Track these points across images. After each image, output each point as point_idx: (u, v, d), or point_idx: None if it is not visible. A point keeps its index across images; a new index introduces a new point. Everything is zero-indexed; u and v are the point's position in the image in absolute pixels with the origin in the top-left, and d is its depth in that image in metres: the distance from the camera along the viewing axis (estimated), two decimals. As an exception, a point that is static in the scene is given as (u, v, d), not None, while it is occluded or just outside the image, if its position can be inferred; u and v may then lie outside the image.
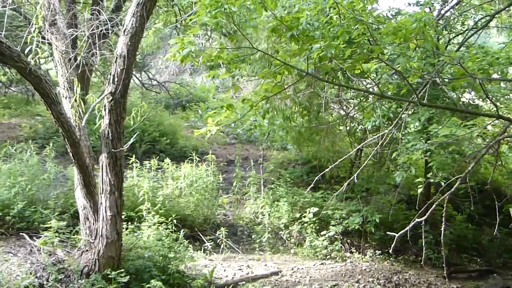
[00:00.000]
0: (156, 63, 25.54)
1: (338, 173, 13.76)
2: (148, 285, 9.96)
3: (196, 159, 13.79)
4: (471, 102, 11.91)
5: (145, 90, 23.78)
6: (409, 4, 12.42)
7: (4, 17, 9.40)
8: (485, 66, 7.38)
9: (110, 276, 9.80)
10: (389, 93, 8.28)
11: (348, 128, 13.10)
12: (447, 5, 11.55)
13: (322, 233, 12.78)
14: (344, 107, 12.80)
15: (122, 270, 9.93)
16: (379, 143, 8.68)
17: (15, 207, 11.74)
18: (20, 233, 11.60)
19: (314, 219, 12.85)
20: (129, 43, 9.56)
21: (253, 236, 12.87)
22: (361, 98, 11.28)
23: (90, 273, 9.95)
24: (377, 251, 12.91)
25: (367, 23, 7.00)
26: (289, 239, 12.90)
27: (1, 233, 11.53)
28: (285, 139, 15.57)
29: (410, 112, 9.19)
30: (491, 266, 13.09)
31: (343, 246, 12.92)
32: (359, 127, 12.58)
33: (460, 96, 10.65)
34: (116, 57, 9.74)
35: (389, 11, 9.95)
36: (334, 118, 12.88)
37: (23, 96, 22.43)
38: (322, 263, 12.33)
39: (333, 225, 12.77)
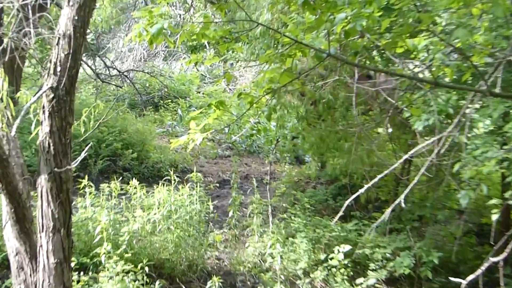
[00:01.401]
0: (116, 45, 25.53)
1: (378, 195, 13.64)
2: None
3: (175, 180, 13.73)
4: None
5: (100, 82, 23.74)
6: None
7: None
8: None
9: None
10: (447, 80, 8.29)
11: (390, 130, 13.06)
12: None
13: (358, 281, 12.75)
14: (384, 101, 12.73)
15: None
16: (435, 151, 8.69)
17: None
18: None
19: (345, 262, 12.85)
20: (76, 17, 9.55)
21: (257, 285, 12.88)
22: (407, 88, 11.25)
23: None
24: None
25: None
26: (312, 286, 12.89)
27: None
28: (301, 148, 15.48)
29: (477, 106, 9.18)
30: None
31: (387, 297, 12.95)
32: (406, 129, 12.56)
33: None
34: (59, 38, 9.75)
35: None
36: (370, 117, 12.80)
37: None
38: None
39: (373, 270, 12.77)
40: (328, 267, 12.62)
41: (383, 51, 7.83)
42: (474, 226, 13.48)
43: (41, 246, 9.98)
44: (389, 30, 7.31)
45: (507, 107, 9.59)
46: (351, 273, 12.67)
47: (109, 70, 24.58)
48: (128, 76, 24.30)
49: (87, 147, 10.17)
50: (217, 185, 16.34)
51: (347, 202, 9.14)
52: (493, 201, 11.11)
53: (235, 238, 13.61)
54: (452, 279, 8.81)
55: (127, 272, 11.45)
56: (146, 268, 11.73)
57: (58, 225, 9.97)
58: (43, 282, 10.02)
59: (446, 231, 13.22)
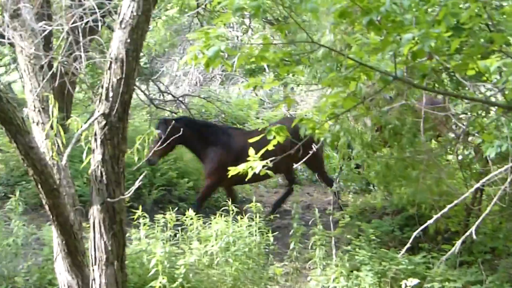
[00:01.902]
0: (170, 69, 25.60)
1: (448, 225, 13.51)
2: None
3: (233, 210, 13.76)
4: None
5: (154, 108, 23.79)
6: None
7: None
8: None
9: None
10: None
11: (460, 158, 12.98)
12: None
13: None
14: (454, 127, 12.67)
15: None
16: (509, 180, 8.60)
17: (-36, 289, 11.90)
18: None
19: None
20: (128, 40, 9.57)
21: None
22: (479, 112, 11.16)
23: None
24: None
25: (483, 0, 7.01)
26: None
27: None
28: (366, 177, 15.42)
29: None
30: None
31: (459, 337, 12.83)
32: (477, 156, 12.45)
33: None
34: (110, 62, 9.78)
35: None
36: (439, 144, 12.74)
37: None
38: None
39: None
40: (395, 302, 12.55)
41: (452, 74, 7.74)
42: None
43: (94, 280, 9.99)
44: (459, 51, 7.23)
45: None
46: (421, 308, 12.58)
47: (163, 95, 24.64)
48: (183, 101, 24.35)
49: (141, 176, 10.19)
50: (278, 215, 16.28)
51: (415, 234, 9.07)
52: None
53: (296, 271, 13.58)
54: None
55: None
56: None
57: (112, 258, 9.97)
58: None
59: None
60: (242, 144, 13.63)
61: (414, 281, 12.56)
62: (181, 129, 13.35)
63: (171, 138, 12.63)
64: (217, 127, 14.17)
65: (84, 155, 10.09)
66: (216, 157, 13.52)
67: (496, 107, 9.11)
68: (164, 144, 12.40)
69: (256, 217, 13.44)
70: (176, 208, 14.07)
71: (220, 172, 13.94)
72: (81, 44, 9.83)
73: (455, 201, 9.82)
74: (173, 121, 13.47)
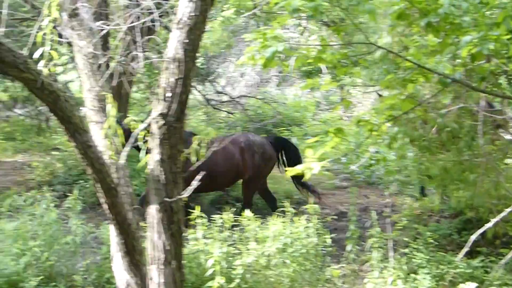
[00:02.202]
0: (227, 70, 25.70)
1: (507, 230, 13.40)
2: None
3: (290, 212, 13.85)
4: None
5: (211, 109, 23.91)
6: None
7: (2, 6, 9.65)
8: None
9: None
10: None
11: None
12: None
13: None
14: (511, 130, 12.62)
15: None
16: None
17: (27, 285, 12.09)
18: (35, 325, 11.96)
19: (471, 301, 12.81)
20: (186, 41, 9.70)
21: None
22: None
23: None
24: None
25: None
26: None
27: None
28: (424, 180, 15.37)
29: None
30: None
31: None
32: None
33: None
34: (168, 62, 9.95)
35: None
36: (497, 147, 12.72)
37: (33, 122, 22.74)
38: None
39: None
40: (453, 305, 12.53)
41: (510, 76, 7.80)
42: None
43: (152, 279, 10.13)
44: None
45: None
46: (479, 311, 12.58)
47: (220, 96, 24.73)
48: (239, 102, 24.41)
49: (200, 176, 10.27)
50: (335, 217, 16.20)
51: (473, 237, 9.15)
52: None
53: (353, 273, 13.56)
54: None
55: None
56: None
57: (169, 257, 10.10)
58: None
59: None
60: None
61: (472, 285, 12.55)
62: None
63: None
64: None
65: (141, 155, 10.24)
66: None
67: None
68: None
69: (313, 218, 13.49)
70: (233, 209, 14.12)
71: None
72: (139, 43, 9.99)
73: (513, 205, 9.89)
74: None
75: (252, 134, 14.71)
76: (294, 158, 14.99)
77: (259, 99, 25.30)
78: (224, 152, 13.77)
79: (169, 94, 9.76)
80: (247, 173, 14.24)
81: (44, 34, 9.54)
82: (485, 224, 8.92)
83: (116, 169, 10.00)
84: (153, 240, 10.13)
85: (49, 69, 9.57)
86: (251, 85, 26.65)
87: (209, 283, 11.88)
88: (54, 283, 12.19)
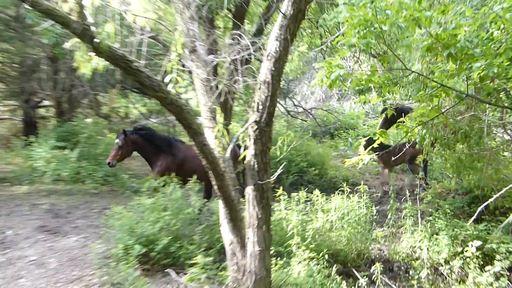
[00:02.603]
0: (301, 89, 25.56)
1: (504, 203, 13.12)
2: (300, 325, 9.90)
3: (347, 190, 13.62)
4: None
5: (290, 117, 23.76)
6: None
7: (143, 45, 9.54)
8: None
9: (259, 316, 9.78)
10: None
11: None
12: None
13: (487, 268, 12.31)
14: (509, 131, 12.31)
15: (272, 309, 9.90)
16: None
17: (160, 243, 11.96)
18: (166, 270, 11.81)
19: (477, 254, 12.42)
20: (273, 69, 9.52)
21: (410, 272, 12.55)
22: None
23: (239, 312, 9.95)
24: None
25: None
26: (450, 275, 12.47)
27: (147, 270, 11.77)
28: (444, 168, 15.07)
29: None
30: None
31: (510, 283, 12.43)
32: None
33: None
34: (260, 84, 9.73)
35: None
36: (497, 143, 12.43)
37: (164, 127, 22.74)
38: (489, 302, 11.94)
39: (498, 260, 12.32)
40: (464, 258, 12.20)
41: (509, 93, 7.49)
42: None
43: (248, 238, 9.97)
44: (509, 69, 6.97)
45: None
46: (481, 262, 12.23)
47: (296, 108, 24.72)
48: (310, 112, 24.33)
49: (282, 166, 10.24)
50: (379, 195, 16.08)
51: (479, 209, 8.81)
52: None
53: (392, 234, 13.40)
54: None
55: (312, 259, 11.34)
56: (326, 256, 11.58)
57: (261, 223, 9.95)
58: (250, 264, 9.97)
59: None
60: (184, 153, 13.66)
61: (478, 242, 12.24)
62: (138, 138, 13.12)
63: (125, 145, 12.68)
64: (165, 139, 13.62)
65: (241, 151, 10.07)
66: (164, 164, 13.51)
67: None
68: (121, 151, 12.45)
69: (363, 195, 13.25)
70: (306, 189, 13.92)
71: (165, 173, 13.78)
72: (239, 71, 9.80)
73: (509, 186, 9.47)
74: (131, 132, 13.08)
75: None
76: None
77: (325, 110, 25.27)
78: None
79: (261, 107, 9.63)
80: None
81: (172, 64, 9.40)
82: (488, 199, 8.59)
83: (223, 161, 9.91)
84: (250, 211, 9.98)
85: (175, 90, 9.43)
86: (319, 100, 26.56)
87: (289, 241, 11.69)
88: (179, 242, 12.06)
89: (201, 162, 13.01)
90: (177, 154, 13.18)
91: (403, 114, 14.72)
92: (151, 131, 13.00)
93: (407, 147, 15.01)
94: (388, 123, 16.33)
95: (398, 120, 15.23)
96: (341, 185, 13.92)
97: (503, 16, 6.59)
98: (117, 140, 12.51)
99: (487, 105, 9.17)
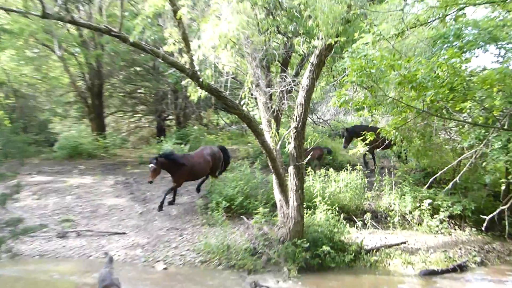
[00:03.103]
0: (322, 108, 25.37)
1: (445, 177, 12.97)
2: (321, 249, 9.98)
3: (349, 169, 13.58)
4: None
5: (315, 125, 23.66)
6: (492, 62, 12.08)
7: (228, 82, 9.64)
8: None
9: (296, 243, 9.91)
10: (480, 122, 7.81)
11: (451, 147, 12.52)
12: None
13: (435, 216, 12.25)
14: (449, 133, 12.23)
15: (304, 239, 10.03)
16: (473, 156, 8.26)
17: (237, 200, 12.17)
18: (241, 216, 12.04)
19: (429, 207, 12.36)
20: (305, 96, 9.67)
21: (388, 218, 12.52)
22: (460, 126, 10.74)
23: (284, 241, 10.09)
24: (473, 229, 12.27)
25: (463, 76, 6.71)
26: (412, 220, 12.42)
27: (229, 216, 11.96)
28: (408, 155, 14.94)
29: (494, 135, 8.65)
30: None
31: (449, 225, 12.36)
32: (459, 146, 11.94)
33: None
34: (298, 105, 9.87)
35: (479, 67, 9.49)
36: (441, 140, 12.34)
37: (239, 132, 22.84)
38: (435, 236, 11.90)
39: (442, 211, 12.25)
40: (420, 210, 12.13)
41: (448, 109, 7.44)
42: (492, 192, 12.59)
43: (290, 197, 10.08)
44: (452, 99, 6.95)
45: (510, 135, 9.01)
46: (431, 212, 12.15)
47: (319, 119, 24.57)
48: (327, 122, 24.21)
49: (310, 154, 10.13)
50: (369, 171, 15.95)
51: (430, 180, 8.78)
52: (502, 180, 10.55)
53: (377, 195, 13.25)
54: (481, 216, 8.30)
55: (328, 210, 11.38)
56: (336, 208, 11.62)
57: (298, 188, 10.03)
58: (291, 213, 10.05)
59: (478, 194, 12.51)
60: (192, 161, 12.86)
61: (429, 200, 12.20)
62: (164, 160, 12.09)
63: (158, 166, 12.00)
64: (180, 156, 12.75)
65: (286, 145, 10.13)
66: (182, 173, 12.60)
67: (468, 124, 8.71)
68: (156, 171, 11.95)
69: (359, 172, 13.22)
70: (325, 168, 13.88)
71: (183, 180, 12.91)
72: (285, 97, 9.88)
73: (449, 166, 9.42)
74: (159, 157, 12.10)
75: (211, 146, 14.13)
76: (227, 156, 14.24)
77: (336, 121, 25.05)
78: (203, 156, 13.38)
79: (298, 119, 9.78)
80: (212, 167, 13.67)
81: (245, 94, 9.50)
82: (436, 174, 8.53)
83: (275, 151, 9.95)
84: (291, 180, 10.06)
85: (247, 109, 9.52)
86: (333, 114, 26.23)
87: (314, 199, 11.74)
88: (248, 199, 12.21)
89: (202, 165, 13.11)
90: (188, 163, 12.72)
91: (359, 131, 14.84)
92: (170, 153, 12.54)
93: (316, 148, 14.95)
94: (349, 139, 16.22)
95: (356, 136, 15.20)
96: (346, 166, 13.92)
97: (445, 62, 6.64)
98: (151, 165, 11.80)
99: (435, 117, 9.12)
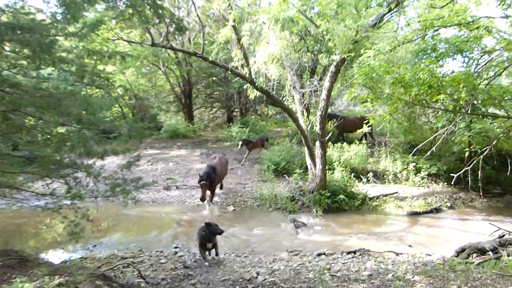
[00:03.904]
0: (337, 102, 24.72)
1: (425, 147, 12.37)
2: (338, 197, 9.92)
3: (357, 142, 13.24)
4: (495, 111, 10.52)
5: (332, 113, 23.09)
6: (459, 67, 11.54)
7: (274, 86, 9.56)
8: (502, 95, 6.56)
9: (321, 193, 9.86)
10: (450, 109, 7.50)
11: (429, 126, 12.05)
12: (479, 65, 10.24)
13: (418, 175, 11.85)
14: (427, 117, 11.77)
15: (327, 190, 9.95)
16: (445, 133, 7.96)
17: (281, 164, 12.15)
18: (284, 175, 11.99)
19: (413, 169, 11.95)
20: (326, 94, 9.47)
21: (384, 176, 12.20)
22: (436, 112, 10.33)
23: (313, 192, 10.05)
24: (445, 183, 11.81)
25: (438, 77, 6.44)
26: (401, 177, 12.08)
27: (276, 175, 11.96)
28: (398, 132, 14.42)
29: (460, 118, 8.28)
30: (506, 191, 11.52)
31: (427, 181, 11.95)
32: (435, 126, 11.48)
33: (487, 108, 9.20)
34: (321, 100, 9.70)
35: (449, 71, 9.10)
36: (422, 122, 11.91)
37: (282, 119, 22.56)
38: (417, 189, 11.54)
39: (423, 171, 11.82)
40: (407, 170, 11.81)
41: (427, 100, 7.15)
42: (459, 158, 11.97)
43: (317, 162, 9.96)
44: (430, 93, 6.64)
45: (472, 118, 8.60)
46: (415, 172, 11.78)
47: (336, 109, 23.97)
48: (342, 111, 23.64)
49: (330, 133, 9.86)
50: (372, 144, 15.59)
51: (414, 150, 8.47)
52: (466, 149, 10.15)
53: (376, 160, 12.79)
54: (451, 174, 7.97)
55: (342, 170, 11.22)
56: (348, 169, 11.47)
57: (322, 156, 9.91)
58: (317, 172, 9.96)
59: (449, 159, 11.95)
60: (219, 170, 10.10)
61: (413, 163, 11.85)
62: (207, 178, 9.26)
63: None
64: (211, 173, 9.57)
65: (314, 127, 9.95)
66: (215, 184, 9.80)
67: (442, 110, 8.37)
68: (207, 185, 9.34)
69: (365, 144, 12.94)
70: (341, 142, 13.57)
71: (215, 188, 9.99)
72: (313, 95, 9.74)
73: (427, 140, 9.11)
74: (206, 178, 9.20)
75: (222, 155, 11.13)
76: (225, 161, 10.91)
77: (349, 110, 24.42)
78: (223, 162, 10.71)
79: (321, 110, 9.55)
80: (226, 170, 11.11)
81: (285, 93, 9.44)
82: (418, 145, 8.27)
83: (307, 131, 9.85)
84: (317, 151, 9.96)
85: (287, 103, 9.44)
86: (346, 106, 25.53)
87: (333, 164, 11.58)
88: (289, 164, 12.19)
89: (223, 169, 10.45)
90: (217, 172, 9.87)
91: (334, 118, 13.88)
92: (210, 171, 9.57)
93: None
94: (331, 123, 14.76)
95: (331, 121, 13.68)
96: (355, 140, 13.64)
97: (425, 68, 6.37)
98: (203, 182, 9.14)
99: (417, 106, 8.81)
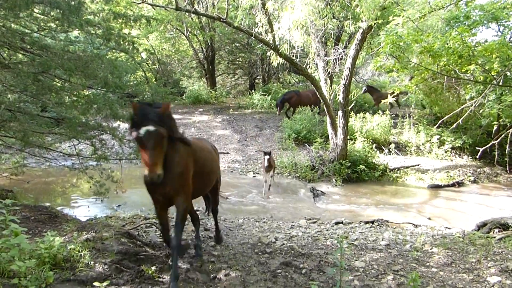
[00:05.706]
0: (362, 71, 24.13)
1: (450, 120, 12.18)
2: (358, 167, 9.92)
3: (380, 113, 12.98)
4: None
5: (357, 83, 22.61)
6: (493, 36, 11.02)
7: (298, 53, 9.41)
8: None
9: (341, 163, 9.87)
10: (480, 80, 7.24)
11: (456, 98, 11.70)
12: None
13: (441, 147, 11.70)
14: (457, 88, 11.39)
15: (347, 160, 9.96)
16: (473, 105, 7.73)
17: (302, 133, 12.16)
18: (304, 144, 12.03)
19: (437, 141, 11.78)
20: (351, 62, 9.30)
21: (406, 148, 12.08)
22: (465, 83, 9.98)
23: (333, 161, 10.08)
24: (469, 157, 11.63)
25: (470, 46, 6.21)
26: (424, 149, 11.94)
27: (297, 144, 12.00)
28: (425, 103, 14.04)
29: (491, 90, 7.98)
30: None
31: (451, 154, 11.76)
32: (463, 97, 11.13)
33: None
34: (346, 68, 9.54)
35: (482, 40, 8.70)
36: (450, 94, 11.56)
37: (304, 87, 22.19)
38: (440, 161, 11.42)
39: (447, 144, 11.66)
40: (431, 142, 11.73)
41: (456, 71, 6.93)
42: (486, 131, 11.61)
43: (339, 132, 9.93)
44: (460, 63, 6.41)
45: (503, 90, 8.29)
46: (439, 144, 11.68)
47: (360, 78, 23.44)
48: (366, 81, 23.12)
49: (353, 103, 9.80)
50: (395, 115, 15.36)
51: (440, 122, 8.26)
52: (494, 122, 9.86)
53: (399, 132, 12.72)
54: (477, 148, 7.78)
55: (364, 141, 11.12)
56: (370, 140, 11.39)
57: (344, 125, 9.86)
58: (339, 141, 9.91)
59: (476, 132, 11.63)
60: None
61: (437, 136, 11.78)
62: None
63: None
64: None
65: (337, 96, 9.83)
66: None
67: (471, 81, 8.09)
68: None
69: (387, 115, 12.74)
70: (363, 113, 13.35)
71: None
72: (337, 63, 9.54)
73: (454, 111, 8.89)
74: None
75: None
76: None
77: (373, 80, 23.80)
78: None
79: (346, 78, 9.43)
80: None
81: (309, 61, 9.29)
82: (444, 117, 8.06)
83: (329, 100, 9.77)
84: (339, 120, 9.91)
85: (310, 71, 9.31)
86: (370, 76, 24.88)
87: (355, 134, 11.48)
88: (310, 133, 12.18)
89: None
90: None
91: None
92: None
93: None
94: (281, 106, 14.30)
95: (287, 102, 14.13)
96: (378, 111, 13.40)
97: (457, 36, 6.13)
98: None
99: (445, 76, 8.54)
